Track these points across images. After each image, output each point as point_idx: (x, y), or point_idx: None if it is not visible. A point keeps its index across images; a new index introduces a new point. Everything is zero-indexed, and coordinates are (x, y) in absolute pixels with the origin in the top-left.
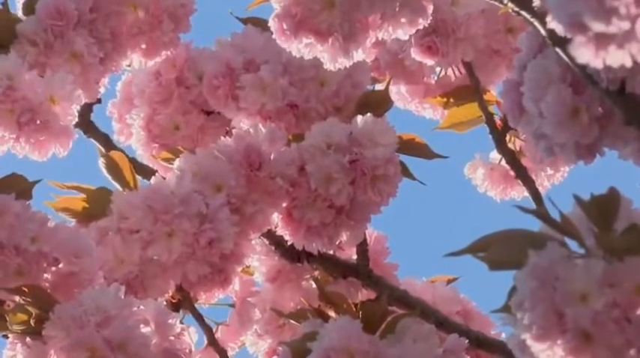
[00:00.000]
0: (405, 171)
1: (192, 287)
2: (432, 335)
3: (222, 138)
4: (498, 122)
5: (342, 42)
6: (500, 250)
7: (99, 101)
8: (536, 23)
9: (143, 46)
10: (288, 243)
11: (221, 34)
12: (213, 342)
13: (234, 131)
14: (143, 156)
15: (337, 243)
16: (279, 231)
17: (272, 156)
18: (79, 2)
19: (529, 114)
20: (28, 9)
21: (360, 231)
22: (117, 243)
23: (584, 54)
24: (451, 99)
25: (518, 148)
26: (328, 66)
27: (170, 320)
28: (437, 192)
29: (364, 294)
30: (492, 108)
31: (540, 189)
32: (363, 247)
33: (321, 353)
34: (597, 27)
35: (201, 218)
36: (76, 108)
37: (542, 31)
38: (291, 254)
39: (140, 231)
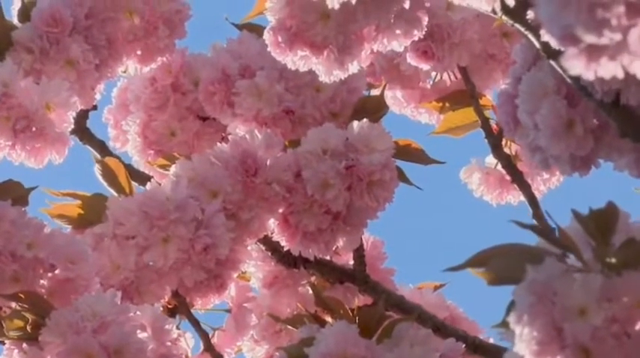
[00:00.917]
0: (401, 176)
1: (189, 292)
2: (429, 339)
3: (218, 144)
4: (494, 127)
5: (337, 54)
6: (499, 265)
7: (94, 107)
8: (530, 36)
9: (139, 52)
10: (285, 249)
11: (217, 40)
12: (209, 348)
13: (230, 137)
14: (139, 162)
15: (334, 248)
16: (276, 237)
17: (268, 162)
18: (74, 9)
19: (524, 127)
20: (24, 16)
21: (357, 237)
22: (113, 248)
23: (576, 66)
24: (447, 104)
25: (514, 153)
26: (323, 78)
27: (167, 326)
28: (433, 197)
29: (361, 300)
30: (488, 113)
31: (536, 193)
32: (359, 252)
33: None
34: (589, 39)
35: (196, 224)
36: (71, 115)
37: (537, 44)
38: (287, 259)
39: (136, 237)
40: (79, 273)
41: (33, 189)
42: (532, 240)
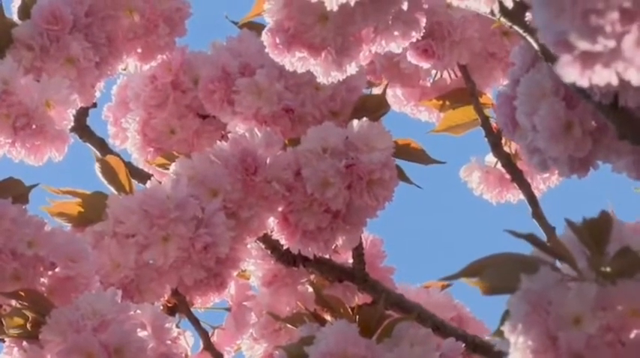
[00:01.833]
0: (401, 175)
1: (188, 291)
2: (429, 339)
3: (217, 142)
4: (494, 125)
5: (335, 55)
6: (493, 275)
7: (94, 105)
8: (529, 38)
9: (139, 50)
10: (284, 247)
11: (216, 38)
12: (209, 346)
13: (229, 135)
14: (138, 160)
15: (333, 247)
16: (275, 236)
17: (268, 161)
18: (74, 6)
19: (522, 128)
20: (24, 13)
21: (356, 236)
22: (113, 247)
23: (570, 73)
24: (447, 102)
25: (513, 151)
26: (322, 79)
27: (167, 325)
28: (432, 196)
29: (360, 298)
30: (488, 111)
31: (536, 192)
32: (359, 251)
33: None
34: (583, 45)
35: (196, 222)
36: (71, 113)
37: (535, 46)
38: (287, 258)
39: (136, 236)
40: (80, 272)
41: (33, 186)
42: (528, 246)
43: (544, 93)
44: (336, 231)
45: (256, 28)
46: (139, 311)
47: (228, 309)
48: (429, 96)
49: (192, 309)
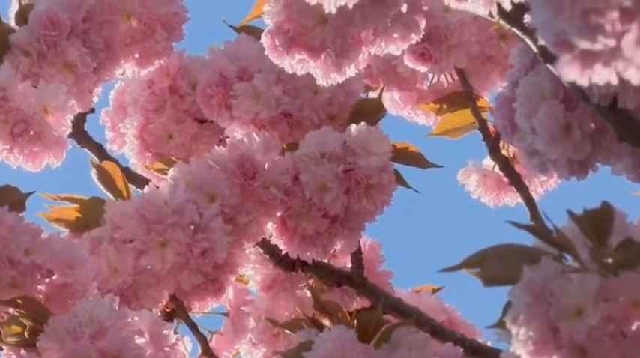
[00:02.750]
0: (399, 179)
1: (186, 296)
2: (427, 343)
3: (215, 147)
4: (492, 128)
5: (334, 58)
6: (495, 266)
7: (92, 110)
8: (528, 40)
9: (136, 55)
10: (283, 252)
11: (214, 42)
12: (207, 351)
13: (227, 140)
14: (136, 165)
15: (331, 251)
16: (274, 240)
17: (266, 166)
18: (72, 12)
19: (521, 131)
20: (21, 19)
21: (355, 240)
22: (110, 252)
23: (570, 72)
24: (444, 106)
25: (511, 154)
26: (321, 82)
27: (165, 331)
28: (430, 199)
29: (359, 302)
30: (485, 115)
31: (534, 195)
32: (357, 255)
33: None
34: (583, 45)
35: (194, 228)
36: (69, 119)
37: (534, 48)
38: (285, 263)
39: (133, 241)
40: (77, 278)
41: (30, 194)
42: (529, 242)
43: (543, 96)
44: (334, 235)
45: (254, 32)
46: (136, 317)
47: (227, 314)
48: (427, 99)
49: (190, 314)
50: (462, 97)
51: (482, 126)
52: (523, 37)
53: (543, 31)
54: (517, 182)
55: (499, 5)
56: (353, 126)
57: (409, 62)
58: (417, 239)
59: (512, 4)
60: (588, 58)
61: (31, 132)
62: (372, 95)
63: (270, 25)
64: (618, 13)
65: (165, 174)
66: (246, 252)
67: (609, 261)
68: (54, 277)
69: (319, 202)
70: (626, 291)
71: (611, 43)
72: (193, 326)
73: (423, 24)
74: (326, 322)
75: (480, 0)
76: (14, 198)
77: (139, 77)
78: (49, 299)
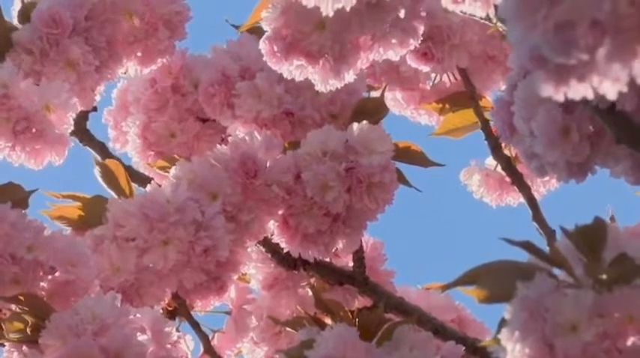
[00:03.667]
0: (401, 178)
1: (188, 294)
2: (429, 342)
3: (217, 145)
4: (494, 128)
5: (333, 63)
6: (489, 283)
7: (94, 109)
8: None
9: (139, 54)
10: (285, 251)
11: (217, 41)
12: (209, 350)
13: (229, 139)
14: (139, 163)
15: (333, 250)
16: (275, 239)
17: (268, 164)
18: (74, 10)
19: (520, 134)
20: (24, 17)
21: (356, 239)
22: (113, 251)
23: (545, 88)
24: (446, 106)
25: (513, 154)
26: (319, 87)
27: (167, 328)
28: (432, 199)
29: (360, 301)
30: (488, 115)
31: (536, 195)
32: (359, 254)
33: None
34: (557, 60)
35: (196, 226)
36: (71, 117)
37: None
38: (287, 261)
39: (136, 239)
40: (79, 276)
41: (33, 191)
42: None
43: (541, 99)
44: (336, 234)
45: (257, 31)
46: (138, 315)
47: (229, 313)
48: (429, 99)
49: (192, 313)
50: (464, 97)
51: (485, 125)
52: None
53: (517, 46)
54: (519, 182)
55: (496, 8)
56: (355, 125)
57: (412, 62)
58: (419, 238)
59: None
60: (563, 73)
61: (33, 130)
62: (374, 94)
63: (268, 30)
64: (591, 27)
65: (168, 172)
66: (248, 250)
67: (604, 276)
68: (56, 274)
69: (321, 201)
70: (621, 307)
71: (585, 57)
72: (195, 325)
73: (421, 29)
74: (328, 321)
75: (477, 2)
76: (17, 195)
77: (142, 76)
78: (52, 296)
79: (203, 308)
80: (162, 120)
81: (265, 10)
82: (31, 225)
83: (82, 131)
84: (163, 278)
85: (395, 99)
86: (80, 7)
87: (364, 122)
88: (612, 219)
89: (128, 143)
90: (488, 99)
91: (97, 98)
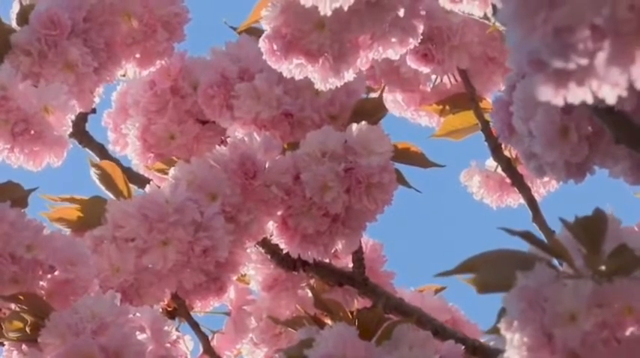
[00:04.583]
0: (401, 179)
1: (188, 295)
2: (428, 341)
3: (217, 147)
4: (494, 129)
5: (332, 62)
6: (489, 272)
7: (94, 111)
8: None
9: (137, 56)
10: (284, 252)
11: (216, 43)
12: (208, 350)
13: (229, 140)
14: (139, 165)
15: (333, 251)
16: (275, 240)
17: (267, 165)
18: (72, 12)
19: (519, 134)
20: (22, 19)
21: (356, 239)
22: (112, 251)
23: (545, 92)
24: (447, 107)
25: (514, 156)
26: (319, 86)
27: (166, 328)
28: (432, 200)
29: (360, 302)
30: (488, 116)
31: (536, 196)
32: (358, 255)
33: None
34: (556, 64)
35: (196, 226)
36: (70, 118)
37: None
38: (286, 262)
39: (135, 240)
40: (79, 275)
41: (32, 190)
42: (526, 244)
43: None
44: (335, 234)
45: (255, 33)
46: (138, 314)
47: (228, 313)
48: (429, 101)
49: (191, 313)
50: (464, 99)
51: (485, 127)
52: None
53: (516, 50)
54: (519, 183)
55: (494, 7)
56: (354, 126)
57: (412, 63)
58: (419, 240)
59: None
60: (562, 77)
61: (32, 132)
62: (374, 96)
63: (268, 29)
64: (590, 31)
65: (166, 174)
66: (248, 251)
67: (603, 268)
68: (56, 273)
69: (320, 201)
70: (620, 297)
71: (584, 61)
72: (195, 326)
73: (421, 28)
74: (327, 321)
75: (475, 1)
76: (16, 194)
77: (141, 78)
78: (51, 295)
79: (202, 308)
80: (161, 122)
81: (265, 9)
82: (30, 224)
83: (80, 133)
84: (163, 278)
85: (395, 101)
86: (78, 9)
87: (363, 123)
88: None
89: (128, 145)
90: (489, 100)
91: (96, 100)
